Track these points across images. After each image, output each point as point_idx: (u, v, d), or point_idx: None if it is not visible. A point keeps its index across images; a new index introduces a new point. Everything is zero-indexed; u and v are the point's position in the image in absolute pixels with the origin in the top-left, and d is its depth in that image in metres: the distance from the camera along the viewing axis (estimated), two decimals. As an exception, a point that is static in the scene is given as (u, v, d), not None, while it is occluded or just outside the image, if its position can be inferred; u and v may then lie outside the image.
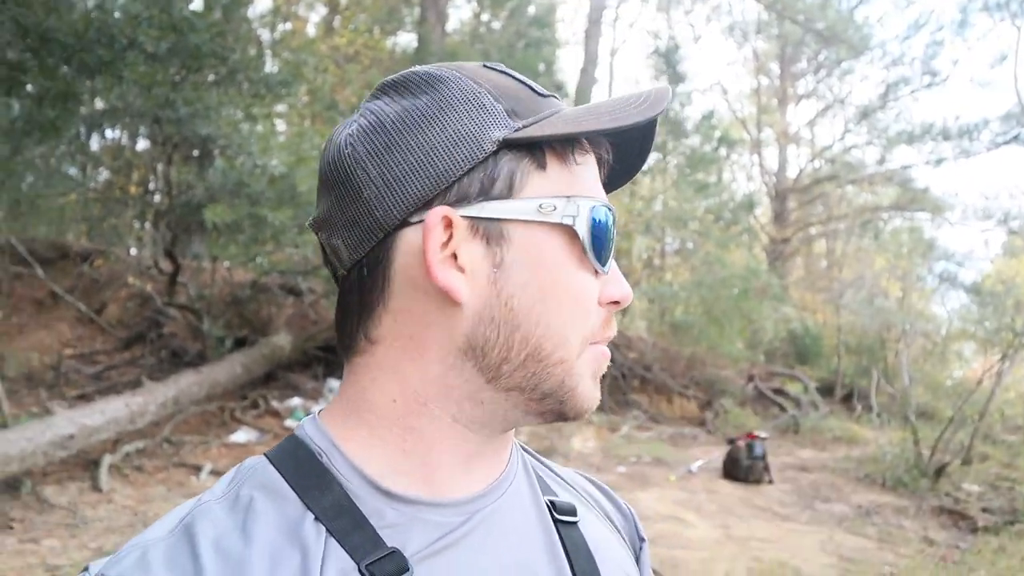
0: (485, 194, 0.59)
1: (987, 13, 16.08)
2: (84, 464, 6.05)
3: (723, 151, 17.53)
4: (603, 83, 21.44)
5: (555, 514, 0.69)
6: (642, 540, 0.82)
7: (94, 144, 12.58)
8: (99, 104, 8.28)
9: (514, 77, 0.64)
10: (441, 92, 0.61)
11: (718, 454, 9.34)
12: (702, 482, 8.30)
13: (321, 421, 0.66)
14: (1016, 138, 15.31)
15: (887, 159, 18.82)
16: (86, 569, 0.56)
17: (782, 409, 13.61)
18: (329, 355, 11.28)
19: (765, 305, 14.65)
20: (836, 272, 22.37)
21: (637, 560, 0.79)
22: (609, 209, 0.63)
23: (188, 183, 8.99)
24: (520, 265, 0.60)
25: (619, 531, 0.80)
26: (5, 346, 9.00)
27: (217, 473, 6.54)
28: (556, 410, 0.63)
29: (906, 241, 19.26)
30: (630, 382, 13.40)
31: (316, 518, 0.58)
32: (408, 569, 0.56)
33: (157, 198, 10.26)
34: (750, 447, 8.53)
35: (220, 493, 0.60)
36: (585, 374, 0.63)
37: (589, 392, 0.64)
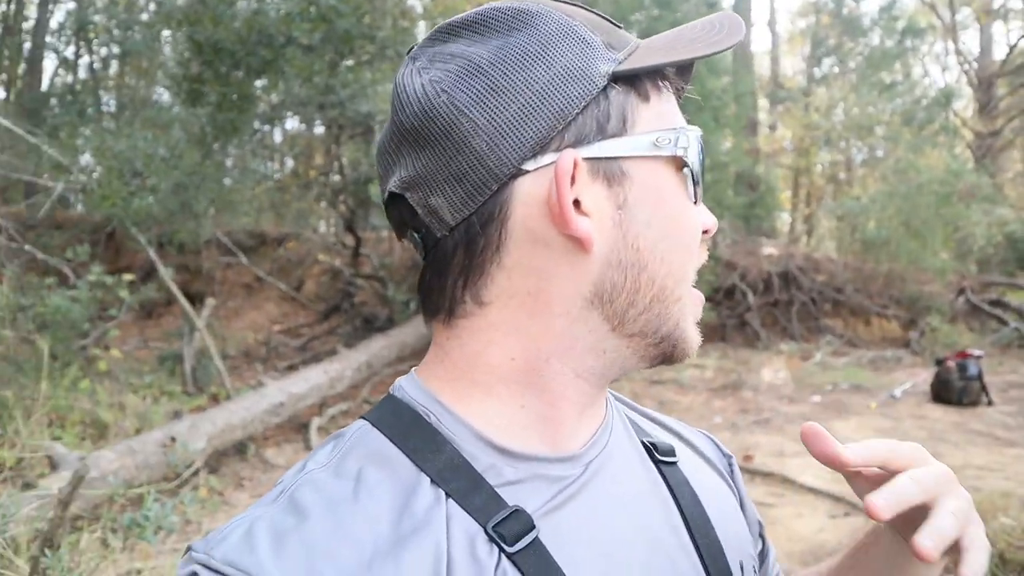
0: (602, 132, 0.57)
1: None
2: (296, 428, 6.71)
3: (909, 43, 15.73)
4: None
5: (656, 455, 0.69)
6: (728, 457, 0.83)
7: (277, 137, 13.68)
8: (273, 99, 8.96)
9: (589, 9, 0.62)
10: (538, 27, 0.57)
11: (926, 376, 8.62)
12: (908, 408, 7.71)
13: (423, 381, 0.63)
14: None
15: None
16: (189, 549, 0.52)
17: (1002, 322, 12.23)
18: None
19: (974, 209, 13.15)
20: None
21: (731, 477, 0.80)
22: (700, 139, 0.62)
23: (357, 160, 9.53)
24: (642, 203, 0.58)
25: (710, 460, 0.79)
26: (225, 328, 10.14)
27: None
28: (669, 353, 0.62)
29: None
30: (821, 307, 12.63)
31: (432, 481, 0.55)
32: (534, 527, 0.55)
33: (334, 178, 10.98)
34: (962, 367, 7.79)
35: (324, 461, 0.57)
36: (688, 315, 0.62)
37: (695, 333, 0.63)
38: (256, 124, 9.31)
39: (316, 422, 6.70)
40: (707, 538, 0.66)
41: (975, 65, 20.26)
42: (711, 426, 6.80)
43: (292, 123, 12.67)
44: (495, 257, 0.57)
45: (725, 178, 10.99)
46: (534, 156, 0.55)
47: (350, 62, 7.89)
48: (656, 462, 0.68)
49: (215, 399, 6.98)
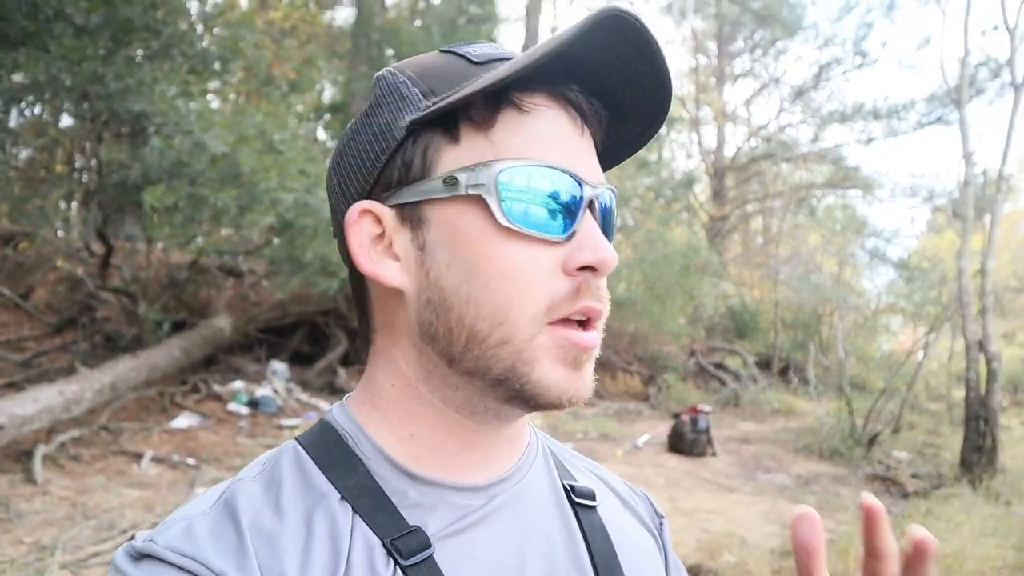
0: (403, 180, 0.61)
1: (914, -4, 16.61)
2: (15, 456, 5.80)
3: (664, 129, 17.71)
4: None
5: (574, 497, 0.71)
6: (660, 518, 0.83)
7: (12, 120, 11.97)
8: (20, 78, 7.86)
9: (457, 53, 0.63)
10: (375, 93, 0.64)
11: (663, 428, 9.54)
12: (648, 456, 8.47)
13: (348, 406, 0.69)
14: (940, 119, 15.91)
15: (820, 138, 19.39)
16: (132, 537, 0.58)
17: (723, 383, 13.96)
18: (271, 337, 11.07)
19: (705, 281, 14.95)
20: (773, 248, 22.96)
21: (660, 537, 0.81)
22: (543, 167, 0.58)
23: (120, 162, 8.63)
24: (441, 245, 0.60)
25: (638, 514, 0.80)
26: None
27: (159, 460, 6.37)
28: (519, 397, 0.60)
29: (839, 218, 19.88)
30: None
31: (342, 497, 0.60)
32: (430, 546, 0.59)
33: (85, 177, 9.81)
34: (694, 421, 8.73)
35: (256, 472, 0.63)
36: (543, 359, 0.58)
37: (554, 380, 0.59)
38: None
39: (42, 449, 5.84)
40: None
41: (712, 157, 23.33)
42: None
43: (33, 109, 11.20)
44: (367, 294, 0.67)
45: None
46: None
47: (135, 53, 7.17)
48: (572, 504, 0.70)
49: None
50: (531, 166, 0.58)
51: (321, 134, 13.73)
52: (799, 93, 18.99)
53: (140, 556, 0.55)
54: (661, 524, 0.82)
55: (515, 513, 0.65)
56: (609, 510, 0.74)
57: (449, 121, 0.60)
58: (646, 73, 0.62)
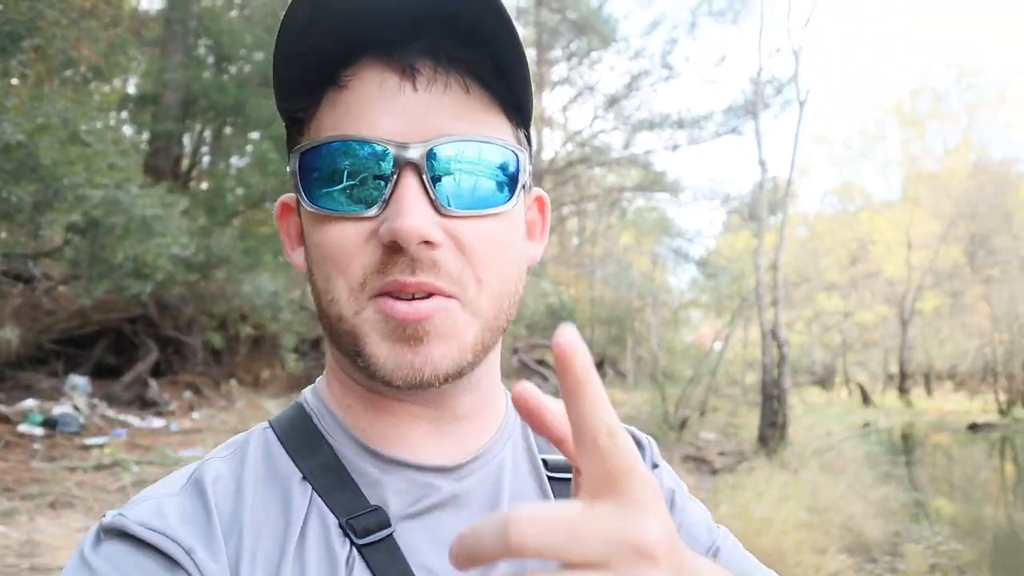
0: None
1: (712, 17, 18.09)
2: None
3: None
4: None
5: (547, 471, 0.69)
6: (655, 467, 0.78)
7: None
8: None
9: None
10: None
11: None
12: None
13: (319, 385, 0.70)
14: (734, 129, 17.50)
15: (631, 144, 20.59)
16: (103, 516, 0.57)
17: (544, 379, 14.52)
18: (69, 348, 10.06)
19: (528, 280, 15.45)
20: (588, 248, 24.14)
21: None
22: (336, 142, 0.57)
23: None
24: (307, 229, 0.63)
25: None
26: None
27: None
28: (374, 375, 0.59)
29: (648, 219, 21.31)
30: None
31: (304, 477, 0.61)
32: (389, 525, 0.59)
33: None
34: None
35: (226, 452, 0.64)
36: (369, 333, 0.58)
37: (381, 356, 0.57)
38: None
39: None
40: None
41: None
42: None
43: None
44: None
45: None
46: None
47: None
48: (550, 479, 0.69)
49: None
50: (322, 143, 0.57)
51: (127, 129, 12.63)
52: (612, 101, 20.06)
53: (108, 532, 0.55)
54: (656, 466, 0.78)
55: (485, 494, 0.64)
56: None
57: (292, 118, 0.63)
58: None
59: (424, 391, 0.60)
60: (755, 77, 10.22)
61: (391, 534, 0.58)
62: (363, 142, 0.56)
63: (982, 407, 25.34)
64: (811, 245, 30.06)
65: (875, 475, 8.97)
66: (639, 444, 0.77)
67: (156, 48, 11.41)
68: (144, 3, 13.80)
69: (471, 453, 0.65)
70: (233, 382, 11.29)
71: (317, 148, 0.58)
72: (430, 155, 0.56)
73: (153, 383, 9.82)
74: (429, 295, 0.56)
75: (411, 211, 0.54)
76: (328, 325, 0.61)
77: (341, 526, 0.58)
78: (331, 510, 0.59)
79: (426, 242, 0.55)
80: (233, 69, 12.16)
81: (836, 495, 6.92)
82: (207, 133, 13.77)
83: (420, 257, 0.56)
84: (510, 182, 0.60)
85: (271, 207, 10.79)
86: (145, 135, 12.66)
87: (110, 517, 0.56)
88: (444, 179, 0.57)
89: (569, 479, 0.68)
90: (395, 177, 0.56)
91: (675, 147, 18.30)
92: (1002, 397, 25.03)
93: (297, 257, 0.67)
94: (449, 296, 0.57)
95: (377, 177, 0.56)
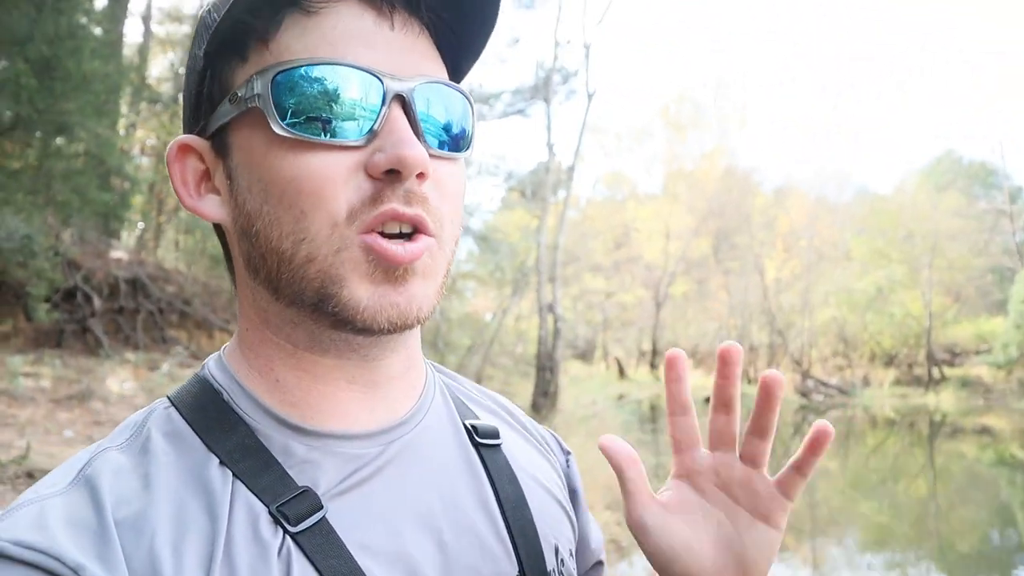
0: (208, 110, 0.60)
1: (507, -2, 18.57)
2: None
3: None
4: None
5: (476, 438, 0.68)
6: (567, 453, 0.81)
7: None
8: None
9: None
10: (194, 30, 0.61)
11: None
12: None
13: (224, 357, 0.63)
14: (521, 111, 18.10)
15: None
16: None
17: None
18: None
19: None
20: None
21: (567, 471, 0.79)
22: (324, 64, 0.54)
23: None
24: (242, 168, 0.57)
25: (542, 447, 0.78)
26: None
27: None
28: (341, 321, 0.56)
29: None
30: (168, 317, 12.48)
31: (221, 462, 0.55)
32: (321, 507, 0.54)
33: None
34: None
35: (122, 440, 0.57)
36: (350, 275, 0.54)
37: (363, 298, 0.54)
38: None
39: None
40: (520, 518, 0.65)
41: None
42: (62, 440, 6.05)
43: None
44: (224, 237, 0.65)
45: (91, 169, 9.92)
46: None
47: None
48: (476, 444, 0.67)
49: None
50: (308, 65, 0.53)
51: None
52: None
53: None
54: (568, 461, 0.81)
55: (414, 459, 0.61)
56: (513, 446, 0.71)
57: (238, 41, 0.56)
58: None
59: (383, 341, 0.59)
60: (549, 65, 10.65)
61: (324, 516, 0.54)
62: (356, 68, 0.54)
63: (715, 382, 28.79)
64: (582, 227, 32.01)
65: (629, 441, 9.91)
66: (551, 434, 0.83)
67: None
68: None
69: (399, 416, 0.62)
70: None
71: (298, 69, 0.53)
72: (417, 91, 0.56)
73: None
74: (415, 232, 0.56)
75: (413, 141, 0.54)
76: (280, 274, 0.55)
77: (272, 514, 0.53)
78: (257, 496, 0.54)
79: (420, 175, 0.55)
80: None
81: (599, 458, 7.55)
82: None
83: (415, 190, 0.55)
84: (472, 131, 0.62)
85: (25, 137, 9.40)
86: None
87: None
88: (428, 117, 0.57)
89: (496, 444, 0.69)
90: (385, 108, 0.55)
91: (465, 121, 18.60)
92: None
93: (207, 205, 0.59)
94: (431, 235, 0.57)
95: (365, 107, 0.54)
